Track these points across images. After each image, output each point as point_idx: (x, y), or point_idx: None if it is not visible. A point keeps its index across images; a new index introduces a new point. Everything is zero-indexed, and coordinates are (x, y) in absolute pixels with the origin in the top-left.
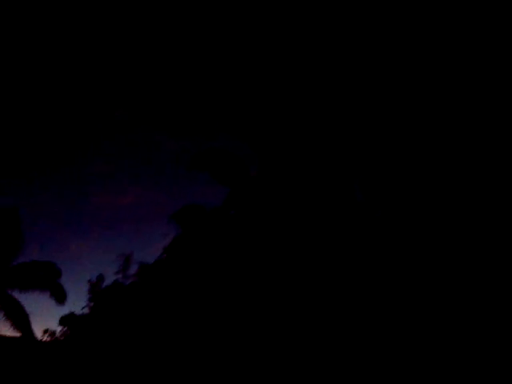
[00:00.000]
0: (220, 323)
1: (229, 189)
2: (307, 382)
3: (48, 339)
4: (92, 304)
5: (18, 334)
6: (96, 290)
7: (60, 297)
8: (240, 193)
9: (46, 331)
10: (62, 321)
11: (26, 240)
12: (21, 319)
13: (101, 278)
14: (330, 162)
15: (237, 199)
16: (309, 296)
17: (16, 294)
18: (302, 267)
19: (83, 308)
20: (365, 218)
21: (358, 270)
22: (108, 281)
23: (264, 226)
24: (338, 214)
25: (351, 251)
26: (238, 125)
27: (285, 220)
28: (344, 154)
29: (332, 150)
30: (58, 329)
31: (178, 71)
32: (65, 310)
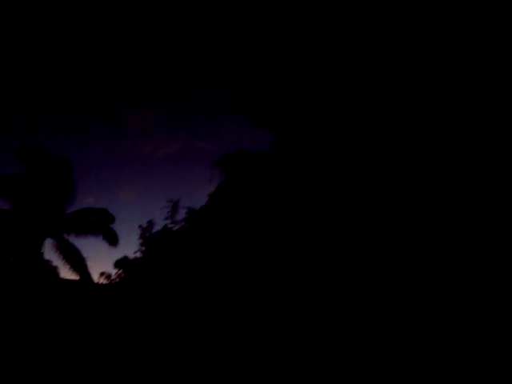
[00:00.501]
0: (265, 268)
1: (273, 132)
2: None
3: (104, 281)
4: (144, 248)
5: (76, 277)
6: (147, 235)
7: (112, 239)
8: (284, 137)
9: (102, 274)
10: (117, 264)
11: (80, 189)
12: (78, 262)
13: (151, 223)
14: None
15: (281, 144)
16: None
17: (72, 239)
18: (349, 208)
19: (135, 252)
20: (411, 159)
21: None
22: (158, 226)
23: (308, 168)
24: (384, 154)
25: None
26: (279, 68)
27: (329, 160)
28: (391, 91)
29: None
30: (113, 272)
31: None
32: (118, 255)
